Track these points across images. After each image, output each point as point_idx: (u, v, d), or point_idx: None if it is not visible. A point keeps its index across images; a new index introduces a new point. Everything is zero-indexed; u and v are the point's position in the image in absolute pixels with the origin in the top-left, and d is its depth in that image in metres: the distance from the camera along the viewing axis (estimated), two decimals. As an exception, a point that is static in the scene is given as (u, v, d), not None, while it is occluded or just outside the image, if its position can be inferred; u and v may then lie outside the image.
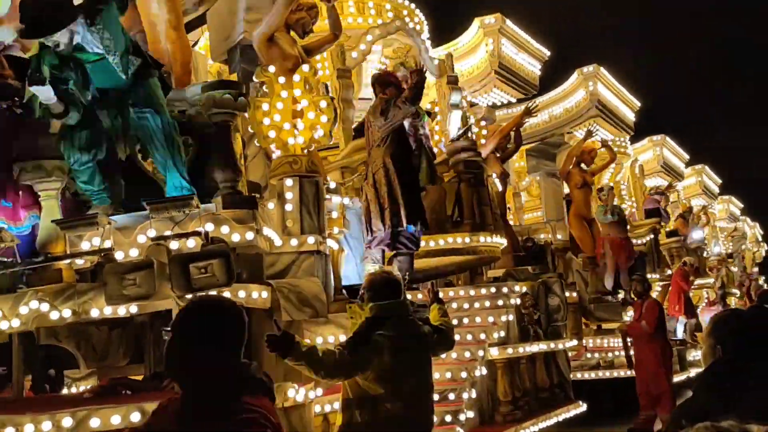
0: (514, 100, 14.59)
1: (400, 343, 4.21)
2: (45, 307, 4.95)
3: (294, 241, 5.99)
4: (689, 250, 16.94)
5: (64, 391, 6.92)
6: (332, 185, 6.81)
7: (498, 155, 10.82)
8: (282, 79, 6.32)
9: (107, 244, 4.90)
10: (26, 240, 5.29)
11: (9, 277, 5.15)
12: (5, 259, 5.15)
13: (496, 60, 13.59)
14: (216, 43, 7.93)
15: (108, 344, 6.39)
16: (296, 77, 6.45)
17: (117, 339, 6.34)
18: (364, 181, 7.65)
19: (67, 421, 4.38)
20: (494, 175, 10.46)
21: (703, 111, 50.52)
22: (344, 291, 6.56)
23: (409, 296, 6.06)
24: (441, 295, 8.43)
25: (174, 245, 4.73)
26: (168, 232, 4.76)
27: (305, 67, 6.53)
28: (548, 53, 15.04)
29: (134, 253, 4.87)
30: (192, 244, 4.74)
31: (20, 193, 5.52)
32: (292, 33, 7.39)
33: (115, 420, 4.39)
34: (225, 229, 4.89)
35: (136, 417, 4.41)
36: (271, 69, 6.41)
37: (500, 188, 10.77)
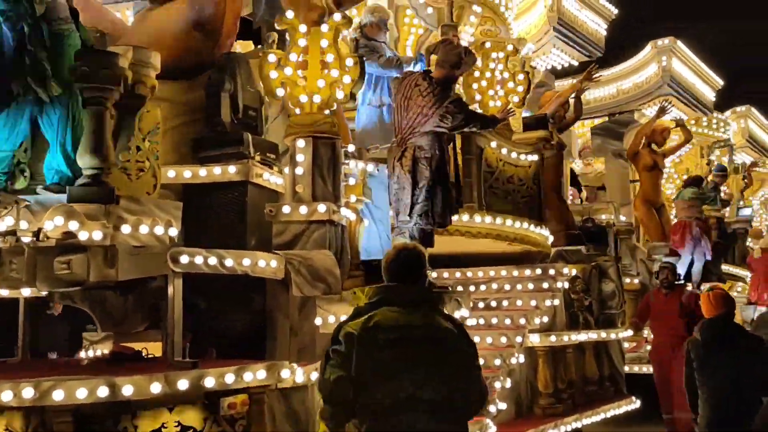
0: (575, 63, 13.50)
1: (390, 334, 3.23)
2: None
3: (303, 209, 5.43)
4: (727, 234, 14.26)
5: (82, 353, 6.86)
6: (351, 148, 6.24)
7: (555, 124, 9.91)
8: (303, 28, 5.75)
9: None
10: None
11: None
12: None
13: (555, 15, 12.42)
14: (239, -7, 7.43)
15: (125, 308, 6.00)
16: (324, 27, 5.87)
17: (133, 304, 5.95)
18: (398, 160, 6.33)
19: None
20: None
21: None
22: (363, 267, 5.98)
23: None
24: (482, 274, 7.92)
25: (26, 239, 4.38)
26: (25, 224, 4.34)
27: (337, 17, 5.94)
28: (615, 11, 13.97)
29: None
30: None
31: None
32: None
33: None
34: (73, 225, 4.28)
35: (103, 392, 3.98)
36: (290, 14, 5.83)
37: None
